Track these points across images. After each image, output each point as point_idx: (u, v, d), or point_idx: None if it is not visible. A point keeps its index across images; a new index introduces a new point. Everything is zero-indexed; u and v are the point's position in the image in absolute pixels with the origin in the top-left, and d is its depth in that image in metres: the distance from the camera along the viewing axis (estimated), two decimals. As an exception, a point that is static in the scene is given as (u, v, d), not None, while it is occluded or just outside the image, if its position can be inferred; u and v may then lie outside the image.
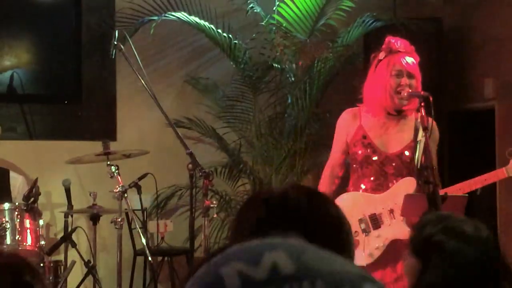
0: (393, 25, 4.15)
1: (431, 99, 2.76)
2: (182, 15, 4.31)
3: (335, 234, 1.09)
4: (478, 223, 1.59)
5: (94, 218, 4.03)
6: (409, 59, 3.01)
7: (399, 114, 3.05)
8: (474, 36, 4.46)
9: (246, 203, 1.36)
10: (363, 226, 3.09)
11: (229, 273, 0.59)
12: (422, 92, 2.90)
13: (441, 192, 2.78)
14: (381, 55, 3.05)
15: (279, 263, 0.59)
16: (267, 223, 1.17)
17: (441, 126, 3.26)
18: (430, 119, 2.98)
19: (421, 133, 2.94)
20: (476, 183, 3.07)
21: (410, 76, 2.98)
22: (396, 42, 3.06)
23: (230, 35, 4.44)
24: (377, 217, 3.02)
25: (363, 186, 3.10)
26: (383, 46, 3.07)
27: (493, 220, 4.25)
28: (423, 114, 2.84)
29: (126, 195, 3.83)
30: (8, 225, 3.62)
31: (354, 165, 3.15)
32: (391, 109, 3.04)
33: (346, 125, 3.16)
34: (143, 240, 3.97)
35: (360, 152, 3.11)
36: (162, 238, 4.64)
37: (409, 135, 3.04)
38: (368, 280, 0.61)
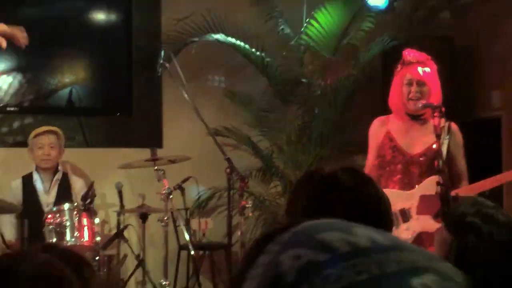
0: (409, 43, 4.29)
1: (443, 109, 2.95)
2: (220, 36, 4.60)
3: (376, 212, 1.29)
4: (506, 212, 1.63)
5: (143, 217, 4.26)
6: (421, 69, 3.23)
7: (417, 118, 3.26)
8: (482, 53, 4.70)
9: (299, 182, 1.53)
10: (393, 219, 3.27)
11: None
12: (435, 103, 3.07)
13: (453, 193, 2.86)
14: (399, 67, 3.30)
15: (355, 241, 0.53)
16: (316, 200, 1.34)
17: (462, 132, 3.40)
18: (452, 124, 3.22)
19: (443, 137, 3.14)
20: (487, 184, 3.22)
21: (420, 84, 3.20)
22: (410, 54, 3.29)
23: (263, 54, 4.70)
24: (406, 211, 3.18)
25: (391, 185, 3.27)
26: (402, 59, 3.30)
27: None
28: (436, 123, 2.98)
29: (171, 196, 4.12)
30: (67, 223, 3.90)
31: (384, 166, 3.34)
32: (408, 113, 3.25)
33: (375, 132, 3.38)
34: (187, 236, 4.28)
35: (387, 153, 3.33)
36: (203, 234, 4.86)
37: (430, 138, 3.18)
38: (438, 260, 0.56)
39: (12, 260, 1.12)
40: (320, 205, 1.34)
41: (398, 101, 3.26)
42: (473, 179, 3.30)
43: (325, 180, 1.41)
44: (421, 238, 3.09)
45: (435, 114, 2.98)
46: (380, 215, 1.36)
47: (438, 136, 3.01)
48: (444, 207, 2.76)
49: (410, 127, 3.30)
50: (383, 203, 1.37)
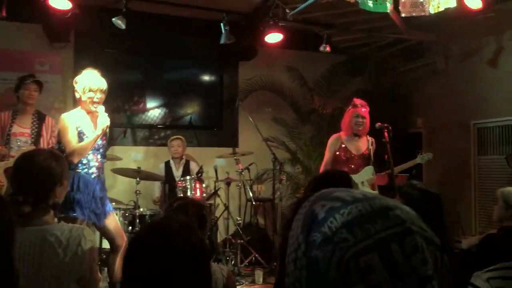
0: (370, 92, 5.78)
1: (390, 127, 3.97)
2: (269, 88, 6.40)
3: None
4: (424, 185, 2.18)
5: (228, 184, 5.64)
6: (363, 109, 4.26)
7: (356, 135, 4.28)
8: (412, 98, 6.34)
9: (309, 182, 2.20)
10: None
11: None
12: (384, 124, 4.00)
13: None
14: (350, 107, 4.36)
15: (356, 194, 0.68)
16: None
17: (399, 141, 4.56)
18: (372, 139, 4.14)
19: (370, 145, 4.21)
20: (405, 166, 4.50)
21: (363, 117, 4.24)
22: (357, 101, 4.35)
23: (291, 98, 6.47)
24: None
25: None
26: (351, 103, 4.39)
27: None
28: (368, 138, 4.06)
29: (243, 173, 5.53)
30: (188, 186, 5.06)
31: (338, 161, 4.29)
32: (355, 133, 4.26)
33: (334, 143, 4.34)
34: (250, 194, 5.54)
35: (341, 154, 4.32)
36: (259, 193, 6.14)
37: (364, 146, 4.28)
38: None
39: (164, 220, 1.30)
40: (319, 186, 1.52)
41: (348, 126, 4.32)
42: (400, 163, 4.47)
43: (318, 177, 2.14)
44: None
45: (384, 130, 3.93)
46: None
47: (372, 144, 4.13)
48: (390, 180, 3.93)
49: (353, 139, 4.33)
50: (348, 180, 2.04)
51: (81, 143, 3.44)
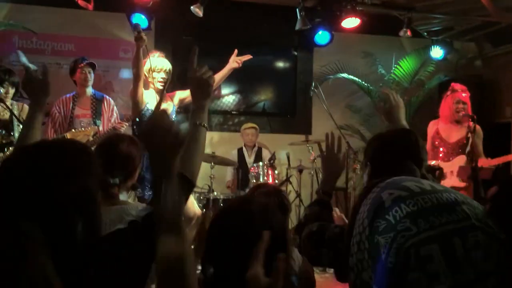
0: (455, 79, 5.00)
1: (475, 117, 3.84)
2: (345, 75, 6.26)
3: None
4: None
5: (300, 171, 5.67)
6: (463, 94, 4.14)
7: (458, 123, 4.14)
8: (499, 84, 5.97)
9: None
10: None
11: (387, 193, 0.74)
12: (470, 113, 3.95)
13: (479, 165, 3.76)
14: (448, 93, 4.23)
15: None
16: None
17: (485, 131, 4.20)
18: (477, 126, 3.88)
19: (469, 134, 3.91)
20: (497, 161, 4.07)
21: (463, 103, 4.11)
22: (456, 85, 4.22)
23: (368, 85, 6.28)
24: (444, 173, 4.01)
25: (438, 158, 4.09)
26: (449, 88, 4.25)
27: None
28: (471, 124, 3.82)
29: (315, 160, 5.34)
30: (260, 173, 5.10)
31: (433, 148, 4.20)
32: (453, 120, 4.13)
33: (430, 127, 4.27)
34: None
35: (436, 141, 4.23)
36: None
37: (463, 134, 4.05)
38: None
39: (245, 202, 1.27)
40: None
41: (447, 112, 4.16)
42: (488, 155, 4.12)
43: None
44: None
45: (470, 120, 3.82)
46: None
47: (471, 132, 3.80)
48: (474, 173, 3.72)
49: (450, 127, 4.17)
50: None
51: None
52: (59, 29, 6.00)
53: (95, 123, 4.46)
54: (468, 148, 3.87)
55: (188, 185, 1.26)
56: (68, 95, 4.60)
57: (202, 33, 6.12)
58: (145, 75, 3.80)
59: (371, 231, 0.74)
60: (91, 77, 4.60)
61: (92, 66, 4.63)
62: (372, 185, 0.82)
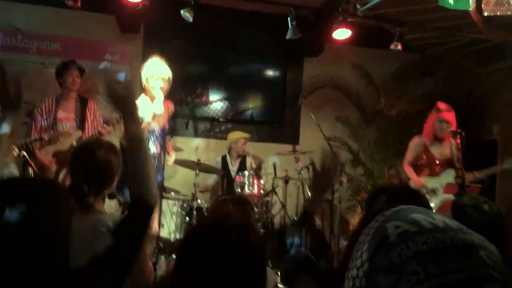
0: (444, 94, 5.42)
1: (464, 134, 3.89)
2: (332, 86, 6.26)
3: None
4: (490, 203, 1.88)
5: (286, 182, 5.54)
6: (447, 113, 4.21)
7: (441, 140, 4.28)
8: (489, 101, 6.07)
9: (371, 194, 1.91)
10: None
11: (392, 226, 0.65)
12: (457, 130, 3.97)
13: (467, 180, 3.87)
14: (433, 111, 4.32)
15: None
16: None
17: (471, 148, 4.13)
18: (456, 141, 3.98)
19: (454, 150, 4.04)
20: (483, 174, 4.28)
21: (447, 122, 4.20)
22: (441, 104, 4.30)
23: (356, 96, 6.31)
24: (435, 190, 4.11)
25: (423, 174, 4.21)
26: (434, 106, 4.37)
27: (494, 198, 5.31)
28: (458, 142, 3.87)
29: (302, 172, 5.27)
30: (246, 182, 5.03)
31: (421, 165, 4.30)
32: (436, 137, 4.26)
33: (416, 142, 4.36)
34: (309, 194, 5.02)
35: (423, 156, 4.34)
36: None
37: (447, 150, 4.19)
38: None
39: (218, 217, 1.32)
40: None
41: (431, 129, 4.30)
42: (471, 169, 4.21)
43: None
44: (443, 206, 3.83)
45: (457, 135, 3.89)
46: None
47: (458, 149, 3.89)
48: (461, 189, 3.75)
49: (434, 143, 4.33)
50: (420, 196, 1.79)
51: None
52: (45, 28, 5.91)
53: (80, 127, 4.40)
54: (457, 165, 3.92)
55: (147, 210, 1.40)
56: (51, 97, 4.52)
57: (191, 38, 6.10)
58: (142, 78, 3.73)
59: (370, 267, 0.65)
60: (79, 81, 4.55)
61: (81, 70, 4.58)
62: (375, 212, 0.73)
